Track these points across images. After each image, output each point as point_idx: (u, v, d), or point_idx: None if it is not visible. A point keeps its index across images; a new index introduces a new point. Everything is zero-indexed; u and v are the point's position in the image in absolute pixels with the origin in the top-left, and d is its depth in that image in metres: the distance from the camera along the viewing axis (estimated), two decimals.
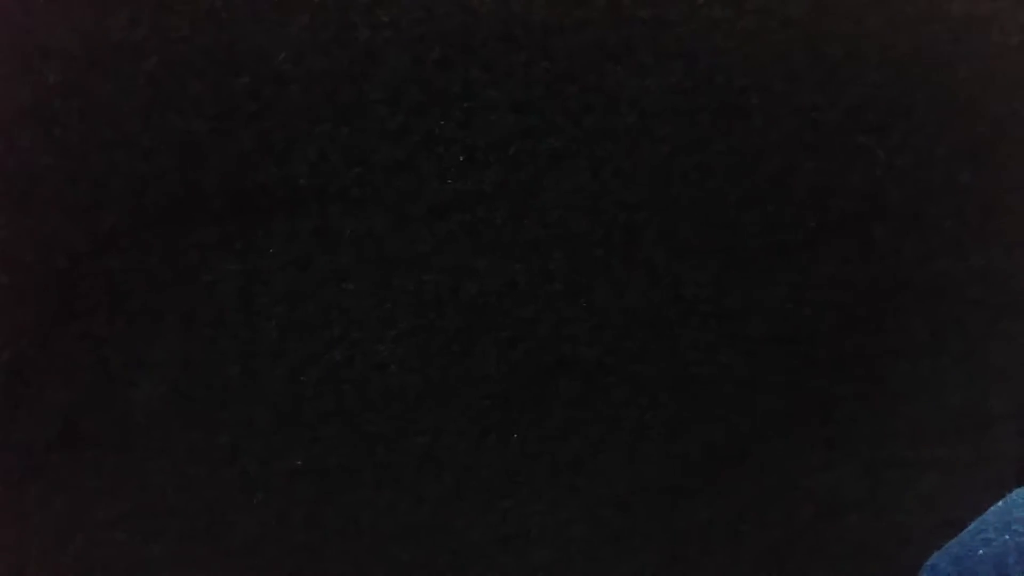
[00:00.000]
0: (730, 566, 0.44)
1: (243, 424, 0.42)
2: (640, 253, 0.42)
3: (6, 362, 0.42)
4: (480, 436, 0.43)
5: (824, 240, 0.42)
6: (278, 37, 0.39)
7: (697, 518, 0.44)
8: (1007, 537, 0.31)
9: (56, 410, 0.42)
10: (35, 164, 0.39)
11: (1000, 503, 0.32)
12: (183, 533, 0.43)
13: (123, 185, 0.39)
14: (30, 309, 0.41)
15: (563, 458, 0.43)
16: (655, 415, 0.43)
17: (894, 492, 0.44)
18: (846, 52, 0.40)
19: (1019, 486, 0.34)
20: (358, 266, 0.41)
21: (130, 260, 0.41)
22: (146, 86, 0.38)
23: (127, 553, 0.43)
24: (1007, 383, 0.44)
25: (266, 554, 0.44)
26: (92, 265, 0.41)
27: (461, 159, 0.39)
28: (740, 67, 0.40)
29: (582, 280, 0.42)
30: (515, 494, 0.44)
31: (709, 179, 0.41)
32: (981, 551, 0.30)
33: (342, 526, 0.44)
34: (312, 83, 0.39)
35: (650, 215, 0.41)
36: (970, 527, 0.33)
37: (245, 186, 0.40)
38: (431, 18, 0.39)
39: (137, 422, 0.42)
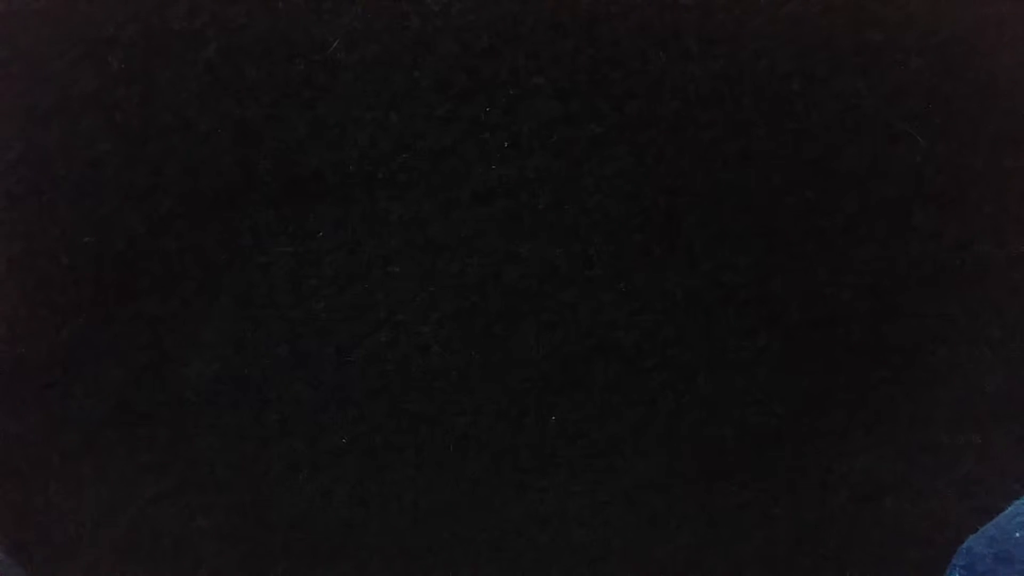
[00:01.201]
0: (765, 549, 0.45)
1: (290, 403, 0.43)
2: (680, 238, 0.42)
3: (64, 340, 0.43)
4: (519, 418, 0.44)
5: (864, 225, 0.42)
6: (332, 26, 0.40)
7: (732, 501, 0.44)
8: None
9: (111, 387, 0.43)
10: (96, 149, 0.41)
11: None
12: (229, 508, 0.45)
13: (181, 169, 0.41)
14: (88, 289, 0.42)
15: (600, 440, 0.44)
16: (692, 399, 0.43)
17: (929, 477, 0.44)
18: (888, 37, 0.41)
19: None
20: (404, 250, 0.42)
21: (186, 242, 0.42)
22: (204, 73, 0.39)
23: (175, 526, 0.45)
24: None
25: (310, 530, 0.45)
26: (149, 247, 0.42)
27: (506, 145, 0.40)
28: (783, 53, 0.40)
29: (622, 265, 0.42)
30: (553, 475, 0.44)
31: (750, 164, 0.41)
32: (1018, 534, 0.31)
33: (384, 503, 0.45)
34: (363, 70, 0.40)
35: (691, 200, 0.42)
36: (1007, 510, 0.33)
37: (298, 171, 0.41)
38: (480, 7, 0.40)
39: (188, 400, 0.43)
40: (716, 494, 0.44)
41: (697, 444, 0.44)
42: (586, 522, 0.45)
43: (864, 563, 0.45)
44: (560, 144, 0.41)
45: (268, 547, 0.45)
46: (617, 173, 0.41)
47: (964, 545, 0.34)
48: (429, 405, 0.44)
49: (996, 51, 0.41)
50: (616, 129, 0.41)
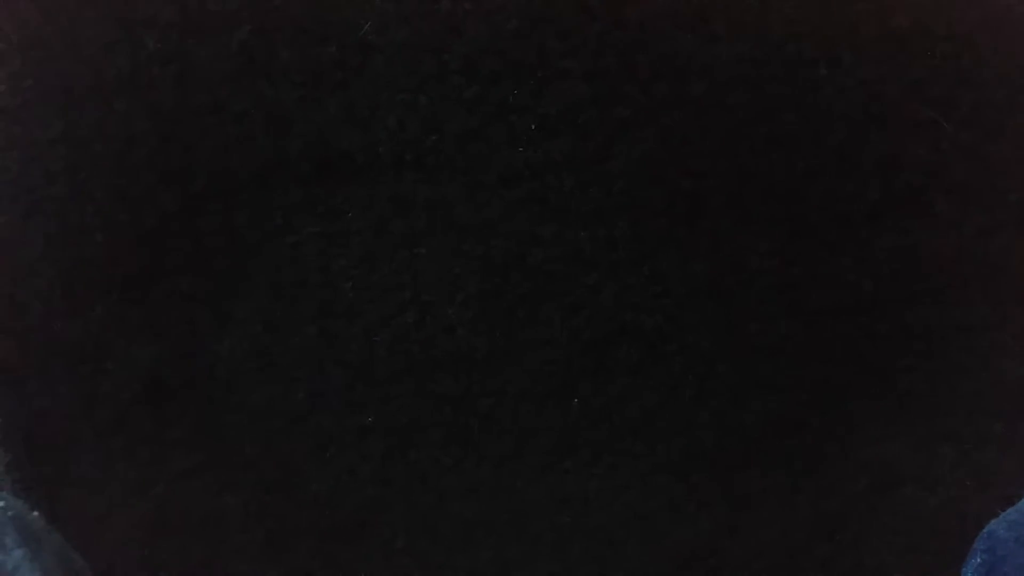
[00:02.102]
0: (784, 536, 0.45)
1: (318, 381, 0.44)
2: (704, 222, 0.42)
3: (97, 318, 0.44)
4: (542, 399, 0.44)
5: (888, 212, 0.42)
6: (363, 8, 0.40)
7: (752, 488, 0.45)
8: None
9: (142, 365, 0.44)
10: (132, 129, 0.41)
11: None
12: (256, 484, 0.45)
13: (214, 149, 0.41)
14: (122, 268, 0.43)
15: (622, 424, 0.44)
16: (714, 384, 0.44)
17: (950, 466, 0.44)
18: (914, 23, 0.41)
19: None
20: (430, 231, 0.43)
21: (218, 221, 0.42)
22: (238, 55, 0.40)
23: (203, 502, 0.45)
24: None
25: (335, 507, 0.46)
26: (182, 226, 0.42)
27: (532, 128, 0.40)
28: (810, 38, 0.40)
29: (646, 249, 0.43)
30: (574, 457, 0.45)
31: (775, 149, 0.41)
32: None
33: (408, 482, 0.45)
34: (394, 53, 0.40)
35: (716, 184, 0.42)
36: None
37: (328, 152, 0.41)
38: None
39: (218, 377, 0.44)
40: (736, 480, 0.44)
41: (718, 430, 0.44)
42: (606, 504, 0.45)
43: (883, 551, 0.45)
44: (586, 127, 0.41)
45: (294, 524, 0.46)
46: (643, 156, 0.41)
47: (986, 529, 0.34)
48: (454, 386, 0.44)
49: (1022, 38, 0.41)
50: (643, 112, 0.41)
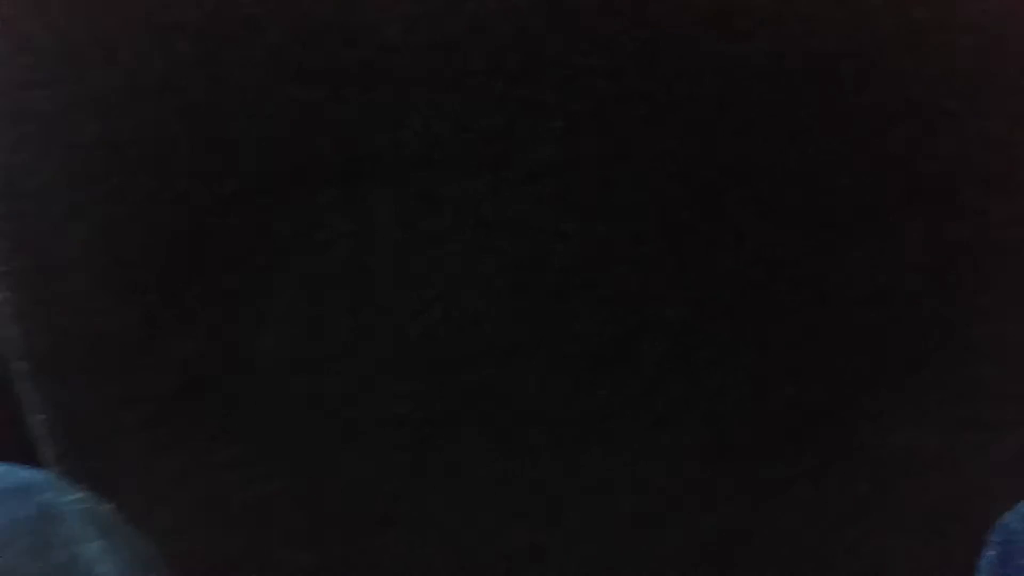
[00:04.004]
0: (811, 522, 0.45)
1: (352, 374, 0.45)
2: (729, 216, 0.42)
3: (137, 315, 0.45)
4: (570, 391, 0.45)
5: (912, 203, 0.42)
6: (389, 11, 0.41)
7: (780, 475, 0.45)
8: None
9: (181, 360, 0.45)
10: (167, 131, 0.42)
11: None
12: (292, 475, 0.46)
13: (247, 150, 0.42)
14: (160, 266, 0.44)
15: (648, 414, 0.45)
16: (740, 374, 0.44)
17: (976, 453, 0.44)
18: (935, 15, 0.40)
19: None
20: (458, 228, 0.43)
21: (252, 220, 0.43)
22: (269, 57, 0.40)
23: (241, 493, 0.46)
24: None
25: (370, 496, 0.47)
26: (217, 225, 0.43)
27: (558, 125, 0.41)
28: (831, 32, 0.40)
29: (671, 242, 0.43)
30: (601, 448, 0.46)
31: (798, 143, 0.42)
32: None
33: (442, 472, 0.46)
34: (420, 54, 0.41)
35: (740, 178, 0.42)
36: None
37: (358, 151, 0.42)
38: None
39: (254, 372, 0.45)
40: (763, 468, 0.45)
41: (744, 419, 0.44)
42: (633, 494, 0.46)
43: (908, 538, 0.45)
44: (612, 123, 0.41)
45: (330, 513, 0.47)
46: (667, 151, 0.41)
47: (1000, 522, 0.34)
48: (482, 378, 0.45)
49: None
50: (667, 108, 0.41)
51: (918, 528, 0.45)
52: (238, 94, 0.41)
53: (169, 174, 0.43)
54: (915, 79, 0.41)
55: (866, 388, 0.44)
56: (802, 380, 0.44)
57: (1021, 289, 0.43)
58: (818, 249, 0.43)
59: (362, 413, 0.45)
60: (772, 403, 0.44)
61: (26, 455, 0.49)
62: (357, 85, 0.41)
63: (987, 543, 0.35)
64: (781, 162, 0.42)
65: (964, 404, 0.44)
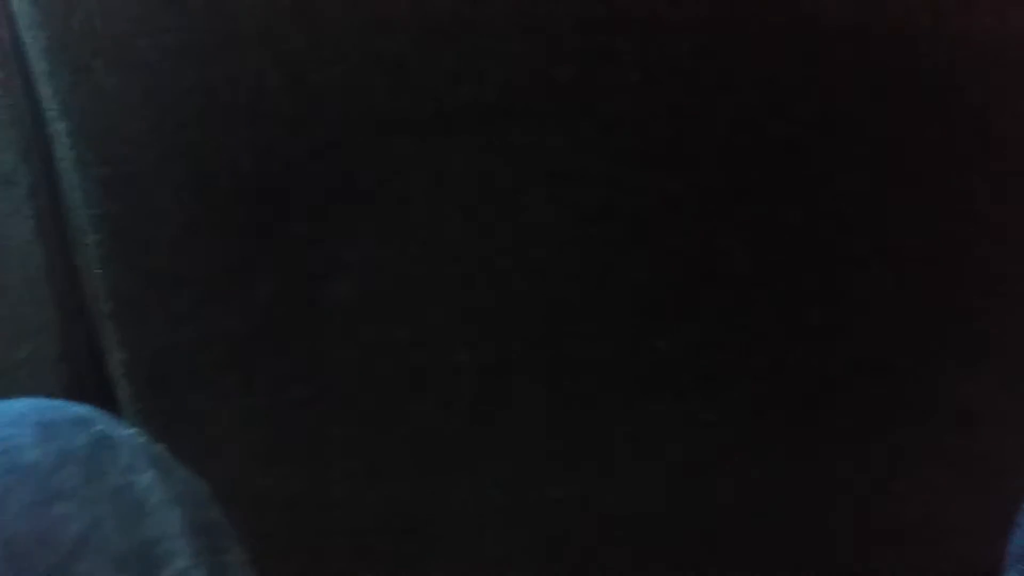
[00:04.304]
0: (865, 470, 0.46)
1: (419, 321, 0.47)
2: (799, 170, 0.43)
3: (220, 258, 0.47)
4: (632, 342, 0.46)
5: (929, 182, 0.43)
6: None
7: (832, 427, 0.46)
8: None
9: (258, 304, 0.47)
10: (260, 79, 0.44)
11: None
12: (359, 417, 0.48)
13: (336, 100, 0.44)
14: (246, 211, 0.46)
15: (708, 365, 0.46)
16: (800, 327, 0.45)
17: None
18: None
19: None
20: (532, 180, 0.45)
21: (337, 168, 0.45)
22: (360, 8, 0.42)
23: (307, 435, 0.48)
24: None
25: (432, 440, 0.48)
26: (304, 173, 0.45)
27: (635, 78, 0.42)
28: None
29: (739, 196, 0.44)
30: (660, 397, 0.47)
31: (877, 104, 0.42)
32: None
33: (503, 419, 0.48)
34: (504, 5, 0.42)
35: (814, 135, 0.42)
36: None
37: (441, 103, 0.44)
38: None
39: (327, 317, 0.47)
40: (817, 420, 0.46)
41: (803, 371, 0.45)
42: (687, 444, 0.47)
43: (958, 493, 0.46)
44: (688, 76, 0.42)
45: (393, 455, 0.49)
46: (741, 106, 0.42)
47: None
48: (546, 327, 0.46)
49: None
50: (745, 63, 0.42)
51: (969, 483, 0.46)
52: (330, 45, 0.43)
53: (260, 123, 0.45)
54: (927, 59, 0.41)
55: (920, 346, 0.45)
56: (858, 335, 0.45)
57: None
58: (886, 205, 0.43)
59: (427, 359, 0.47)
60: (828, 357, 0.45)
61: (103, 396, 0.51)
62: (441, 37, 0.42)
63: (1019, 521, 0.36)
64: (856, 122, 0.42)
65: (1018, 360, 0.45)
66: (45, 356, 0.49)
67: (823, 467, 0.47)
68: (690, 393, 0.46)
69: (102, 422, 0.29)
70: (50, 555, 0.25)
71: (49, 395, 0.30)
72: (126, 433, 0.29)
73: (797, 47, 0.42)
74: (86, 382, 0.51)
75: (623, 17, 0.40)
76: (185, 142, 0.45)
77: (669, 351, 0.46)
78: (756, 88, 0.42)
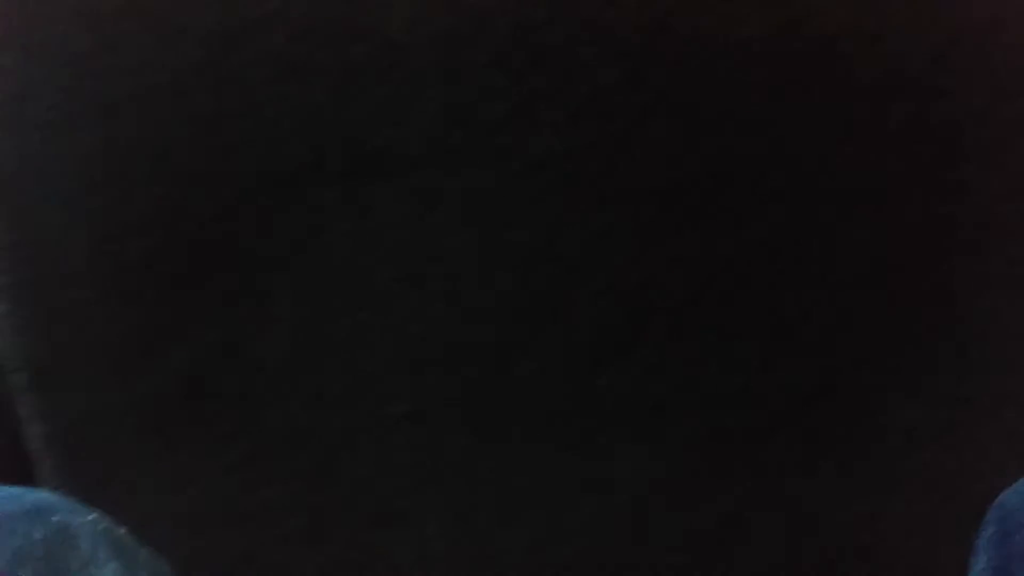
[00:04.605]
0: (810, 500, 0.46)
1: (352, 374, 0.45)
2: (729, 199, 0.43)
3: (137, 321, 0.45)
4: (572, 382, 0.46)
5: (907, 184, 0.43)
6: (391, 7, 0.42)
7: (778, 458, 0.46)
8: None
9: (181, 366, 0.45)
10: (170, 135, 0.43)
11: None
12: (293, 477, 0.46)
13: (251, 152, 0.43)
14: (161, 271, 0.44)
15: (648, 402, 0.46)
16: (740, 358, 0.45)
17: (972, 429, 0.45)
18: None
19: None
20: (461, 222, 0.44)
21: (254, 223, 0.44)
22: (272, 59, 0.41)
23: (240, 497, 0.47)
24: None
25: (371, 496, 0.47)
26: (220, 228, 0.44)
27: (559, 116, 0.42)
28: (831, 13, 0.41)
29: (672, 228, 0.43)
30: (603, 437, 0.46)
31: (799, 124, 0.42)
32: None
33: (441, 469, 0.46)
34: (423, 49, 0.41)
35: (744, 161, 0.42)
36: None
37: (362, 149, 0.43)
38: None
39: (254, 375, 0.45)
40: (761, 451, 0.46)
41: (744, 401, 0.45)
42: (635, 482, 0.46)
43: (906, 515, 0.46)
44: (613, 112, 0.42)
45: (331, 514, 0.47)
46: (671, 138, 0.42)
47: (998, 499, 0.35)
48: (484, 373, 0.45)
49: None
50: (668, 96, 0.42)
51: (916, 507, 0.46)
52: (241, 96, 0.42)
53: (173, 179, 0.43)
54: (913, 58, 0.42)
55: (863, 369, 0.45)
56: (799, 363, 0.45)
57: (1019, 262, 0.44)
58: (817, 230, 0.43)
59: (362, 413, 0.46)
60: (770, 387, 0.45)
61: (22, 470, 0.49)
62: (360, 83, 0.42)
63: (985, 521, 0.36)
64: (780, 145, 0.42)
65: (961, 383, 0.45)
66: None
67: (771, 498, 0.46)
68: (635, 431, 0.46)
69: (60, 510, 0.29)
70: None
71: None
72: (86, 520, 0.29)
73: (722, 75, 0.41)
74: (5, 458, 0.49)
75: (545, 56, 0.40)
76: (93, 203, 0.43)
77: (612, 389, 0.45)
78: (685, 119, 0.42)
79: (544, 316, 0.44)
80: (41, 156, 0.43)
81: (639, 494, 0.46)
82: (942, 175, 0.43)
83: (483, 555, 0.48)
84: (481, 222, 0.43)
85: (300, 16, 0.41)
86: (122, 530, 0.29)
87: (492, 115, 0.42)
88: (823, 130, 0.43)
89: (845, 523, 0.46)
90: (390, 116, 0.42)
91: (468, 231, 0.44)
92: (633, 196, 0.43)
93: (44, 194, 0.44)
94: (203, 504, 0.47)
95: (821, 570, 0.47)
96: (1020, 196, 0.44)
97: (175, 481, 0.47)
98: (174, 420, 0.46)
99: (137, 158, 0.43)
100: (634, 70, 0.41)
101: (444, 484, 0.46)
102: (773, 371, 0.44)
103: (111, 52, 0.42)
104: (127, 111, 0.42)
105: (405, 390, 0.45)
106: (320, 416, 0.46)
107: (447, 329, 0.45)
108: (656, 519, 0.47)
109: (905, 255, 0.44)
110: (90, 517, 0.28)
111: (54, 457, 0.47)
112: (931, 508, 0.46)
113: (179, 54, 0.41)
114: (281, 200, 0.43)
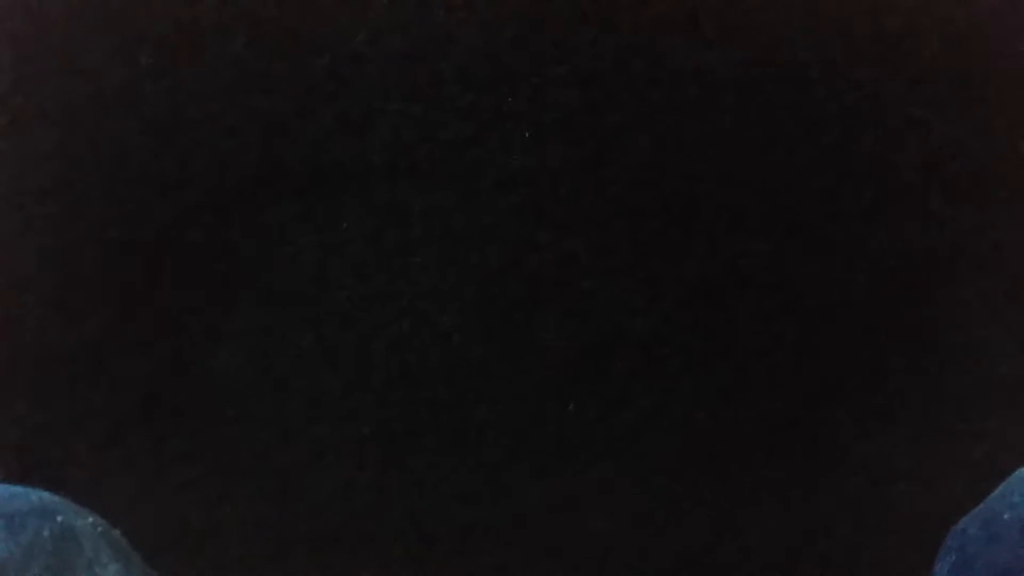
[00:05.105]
0: (780, 533, 0.45)
1: (314, 391, 0.44)
2: (698, 225, 0.43)
3: (91, 332, 0.44)
4: (538, 405, 0.45)
5: (881, 210, 0.43)
6: (357, 18, 0.41)
7: (747, 487, 0.45)
8: None
9: (137, 379, 0.44)
10: (125, 142, 0.42)
11: None
12: (254, 496, 0.45)
13: (208, 162, 0.42)
14: (116, 282, 0.43)
15: (618, 428, 0.45)
16: (709, 386, 0.44)
17: (944, 462, 0.45)
18: (906, 25, 0.41)
19: None
20: (425, 239, 0.43)
21: (212, 234, 0.43)
22: (232, 67, 0.40)
23: (200, 515, 0.45)
24: None
25: (333, 515, 0.46)
26: (177, 239, 0.43)
27: (527, 135, 0.41)
28: (802, 41, 0.41)
29: (641, 253, 0.43)
30: (571, 462, 0.45)
31: (769, 152, 0.42)
32: (1007, 515, 0.31)
33: (405, 489, 0.45)
34: (388, 63, 0.40)
35: (709, 188, 0.42)
36: (996, 491, 0.34)
37: (323, 163, 0.42)
38: None
39: (213, 390, 0.44)
40: (732, 480, 0.45)
41: (714, 431, 0.44)
42: (603, 508, 0.46)
43: (877, 547, 0.45)
44: (580, 133, 0.41)
45: (291, 534, 0.46)
46: (637, 161, 0.42)
47: (956, 527, 0.34)
48: (450, 393, 0.44)
49: (1013, 38, 0.42)
50: (636, 117, 0.42)
51: (887, 538, 0.45)
52: (199, 105, 0.41)
53: (127, 187, 0.42)
54: (885, 88, 0.42)
55: (835, 399, 0.44)
56: (770, 392, 0.44)
57: (990, 298, 0.44)
58: (787, 259, 0.43)
59: (325, 430, 0.45)
60: (740, 415, 0.44)
61: None
62: (322, 95, 0.41)
63: (945, 547, 0.35)
64: (751, 171, 0.42)
65: (933, 414, 0.44)
66: None
67: (742, 528, 0.45)
68: (603, 457, 0.45)
69: (62, 511, 0.29)
70: None
71: None
72: (87, 522, 0.30)
73: (694, 98, 0.41)
74: None
75: (513, 74, 0.39)
76: (45, 210, 0.42)
77: (579, 413, 0.44)
78: (653, 142, 0.41)
79: (511, 337, 0.44)
80: None
81: (607, 519, 0.46)
82: (916, 206, 0.42)
83: None
84: (447, 239, 0.43)
85: (261, 24, 0.40)
86: (117, 533, 0.29)
87: (458, 132, 0.41)
88: (794, 158, 0.42)
89: (815, 550, 0.45)
90: (352, 129, 0.41)
91: (433, 248, 0.43)
92: (601, 218, 0.42)
93: None
94: (160, 523, 0.45)
95: None
96: (994, 228, 0.43)
97: (129, 498, 0.45)
98: (129, 434, 0.45)
99: (91, 165, 0.42)
100: (602, 92, 0.40)
101: (409, 506, 0.45)
102: (742, 400, 0.44)
103: (64, 55, 0.41)
104: (80, 115, 0.41)
105: (369, 409, 0.44)
106: (282, 434, 0.44)
107: (411, 348, 0.44)
108: (624, 544, 0.46)
109: (878, 287, 0.43)
110: (89, 520, 0.30)
111: (4, 470, 0.46)
112: (899, 538, 0.45)
113: (134, 59, 0.39)
114: (239, 211, 0.42)
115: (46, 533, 0.28)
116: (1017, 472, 0.33)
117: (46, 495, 0.29)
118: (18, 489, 0.29)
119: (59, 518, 0.29)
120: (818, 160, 0.42)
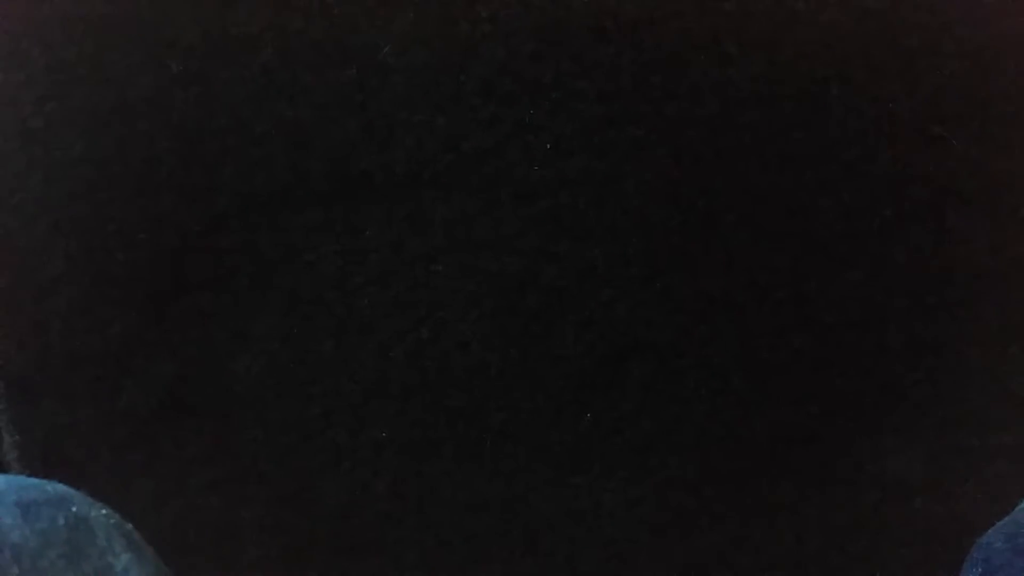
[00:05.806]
0: (795, 548, 0.45)
1: (334, 397, 0.45)
2: (716, 239, 0.43)
3: (117, 334, 0.44)
4: (555, 414, 0.45)
5: (898, 227, 0.43)
6: (383, 31, 0.41)
7: (764, 500, 0.45)
8: None
9: (161, 381, 0.45)
10: (154, 149, 0.42)
11: None
12: (272, 499, 0.46)
13: (235, 169, 0.42)
14: (142, 285, 0.44)
15: (634, 438, 0.45)
16: (726, 398, 0.44)
17: (960, 478, 0.44)
18: (924, 43, 0.41)
19: None
20: (446, 249, 0.43)
21: (238, 240, 0.43)
22: (260, 77, 0.41)
23: (219, 517, 0.46)
24: None
25: (350, 521, 0.46)
26: (202, 244, 0.43)
27: (548, 147, 0.41)
28: (821, 58, 0.41)
29: (658, 265, 0.43)
30: (587, 471, 0.45)
31: (787, 167, 0.42)
32: None
33: (422, 496, 0.46)
34: (412, 74, 0.41)
35: (728, 202, 0.43)
36: (1021, 505, 0.34)
37: (347, 172, 0.42)
38: (527, 13, 0.41)
39: (235, 393, 0.45)
40: (748, 493, 0.45)
41: (730, 443, 0.44)
42: (618, 518, 0.46)
43: (892, 563, 0.45)
44: (600, 146, 0.42)
45: (309, 538, 0.46)
46: (656, 174, 0.42)
47: (982, 540, 0.34)
48: (467, 401, 0.45)
49: None
50: (656, 131, 0.42)
51: (903, 553, 0.45)
52: (227, 114, 0.41)
53: (155, 192, 0.43)
54: (903, 105, 0.42)
55: (851, 413, 0.44)
56: (786, 405, 0.44)
57: (1007, 314, 0.44)
58: (804, 273, 0.43)
59: (343, 436, 0.45)
60: (756, 428, 0.44)
61: None
62: (348, 106, 0.41)
63: (970, 559, 0.35)
64: (769, 186, 0.42)
65: (949, 429, 0.44)
66: None
67: (755, 541, 0.45)
68: (619, 466, 0.45)
69: (76, 502, 0.30)
70: None
71: None
72: (100, 513, 0.30)
73: (715, 113, 0.41)
74: None
75: (535, 86, 0.39)
76: (74, 214, 0.43)
77: (596, 423, 0.44)
78: (673, 156, 0.41)
79: (529, 346, 0.44)
80: (22, 164, 0.43)
81: (623, 528, 0.46)
82: (933, 222, 0.42)
83: None
84: (467, 248, 0.43)
85: (289, 35, 0.40)
86: (129, 526, 0.30)
87: (480, 143, 0.41)
88: (811, 173, 0.42)
89: (829, 565, 0.45)
90: (376, 139, 0.41)
91: (453, 258, 0.43)
92: (620, 229, 0.42)
93: (27, 200, 0.43)
94: (180, 523, 0.46)
95: None
96: (1011, 244, 0.43)
97: (151, 499, 0.46)
98: (152, 436, 0.45)
99: (120, 169, 0.42)
100: (622, 106, 0.40)
101: (424, 512, 0.46)
102: (759, 413, 0.44)
103: (96, 62, 0.41)
104: (110, 122, 0.42)
105: (388, 415, 0.45)
106: (301, 438, 0.45)
107: (431, 355, 0.44)
108: (639, 554, 0.46)
109: (895, 302, 0.43)
110: (103, 511, 0.31)
111: (28, 469, 0.47)
112: (915, 554, 0.45)
113: (165, 67, 0.40)
114: (265, 218, 0.43)
115: (61, 522, 0.29)
116: None
117: (61, 486, 0.30)
118: (34, 480, 0.30)
119: (73, 508, 0.30)
120: (836, 175, 0.42)
